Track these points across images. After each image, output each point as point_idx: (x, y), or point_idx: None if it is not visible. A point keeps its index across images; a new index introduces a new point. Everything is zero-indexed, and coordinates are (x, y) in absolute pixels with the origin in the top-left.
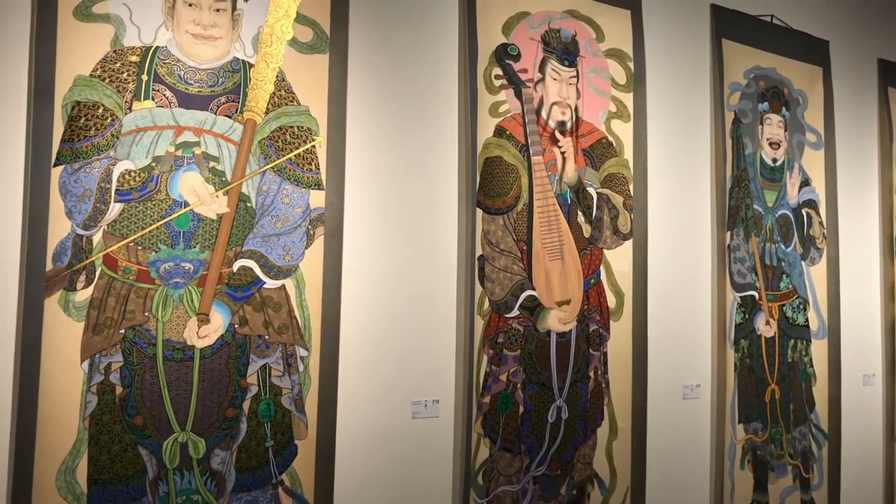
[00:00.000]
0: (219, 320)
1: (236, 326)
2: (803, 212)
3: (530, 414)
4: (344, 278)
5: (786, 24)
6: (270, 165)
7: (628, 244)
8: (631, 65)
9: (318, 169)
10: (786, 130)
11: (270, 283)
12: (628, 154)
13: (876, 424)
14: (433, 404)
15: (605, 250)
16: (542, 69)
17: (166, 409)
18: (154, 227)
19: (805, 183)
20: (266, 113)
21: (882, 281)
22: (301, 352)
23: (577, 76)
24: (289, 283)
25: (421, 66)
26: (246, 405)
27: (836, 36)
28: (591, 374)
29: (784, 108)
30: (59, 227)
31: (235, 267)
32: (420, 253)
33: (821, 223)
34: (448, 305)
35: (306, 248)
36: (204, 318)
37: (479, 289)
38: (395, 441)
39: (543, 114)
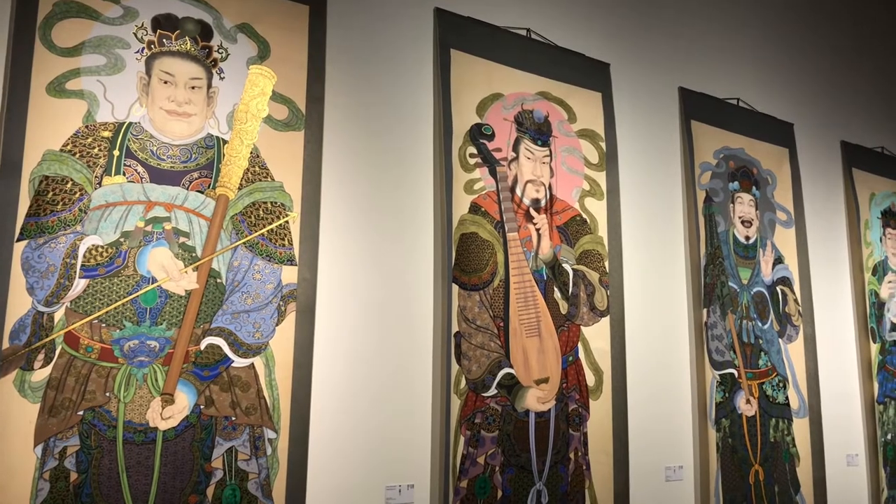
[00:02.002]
0: (184, 401)
1: (202, 407)
2: (778, 289)
3: (509, 498)
4: (316, 356)
5: (751, 106)
6: (243, 241)
7: (605, 321)
8: (603, 144)
9: (291, 244)
10: (757, 209)
11: (239, 362)
12: (602, 231)
13: None
14: (408, 489)
15: (582, 327)
16: (515, 148)
17: (124, 496)
18: (120, 303)
19: (778, 260)
20: (239, 189)
21: (859, 358)
22: (269, 434)
23: (551, 155)
24: (258, 362)
25: (396, 143)
26: (210, 491)
27: (801, 118)
28: (572, 455)
29: (754, 187)
30: (19, 304)
31: (203, 345)
32: (395, 330)
33: (796, 300)
34: (424, 384)
35: (277, 324)
36: (168, 399)
37: (455, 367)
38: None
39: (518, 191)
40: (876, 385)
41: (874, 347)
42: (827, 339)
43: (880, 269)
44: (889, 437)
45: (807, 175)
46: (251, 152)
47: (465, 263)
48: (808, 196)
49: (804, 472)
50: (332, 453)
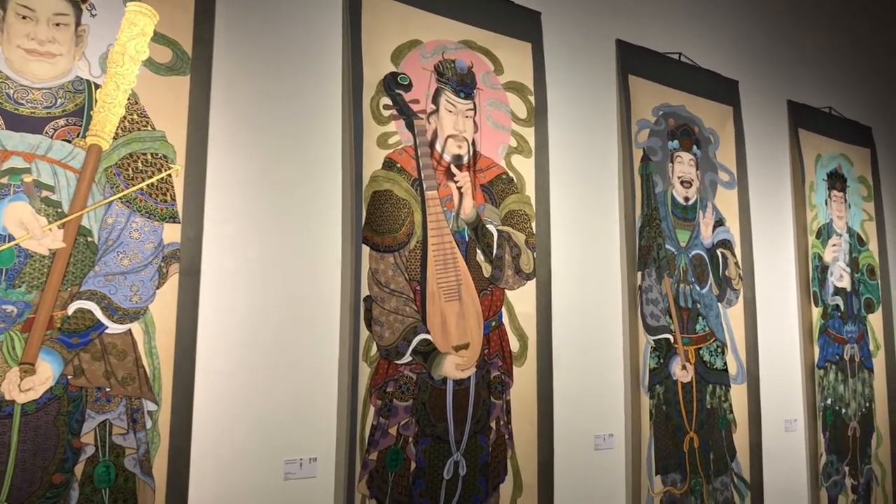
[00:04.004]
0: (47, 371)
1: (69, 378)
2: (718, 252)
3: (424, 471)
4: (201, 322)
5: (694, 62)
6: (118, 196)
7: (531, 284)
8: (532, 98)
9: (174, 200)
10: (697, 169)
11: (114, 328)
12: (530, 190)
13: (800, 472)
14: (310, 463)
15: (506, 291)
16: (435, 100)
17: None
18: None
19: (719, 222)
20: (114, 138)
21: (800, 323)
22: (149, 406)
23: (475, 109)
24: (136, 328)
25: (297, 91)
26: (79, 469)
27: (746, 76)
28: (493, 424)
29: (695, 146)
30: None
31: (71, 309)
32: (295, 295)
33: (737, 264)
34: (329, 352)
35: (158, 287)
36: (28, 369)
37: (365, 333)
38: None
39: (438, 147)
40: (817, 350)
41: (816, 312)
42: (768, 303)
43: (824, 233)
44: (829, 401)
45: (751, 135)
46: (129, 98)
47: (378, 223)
48: (751, 156)
49: (741, 438)
50: (222, 426)
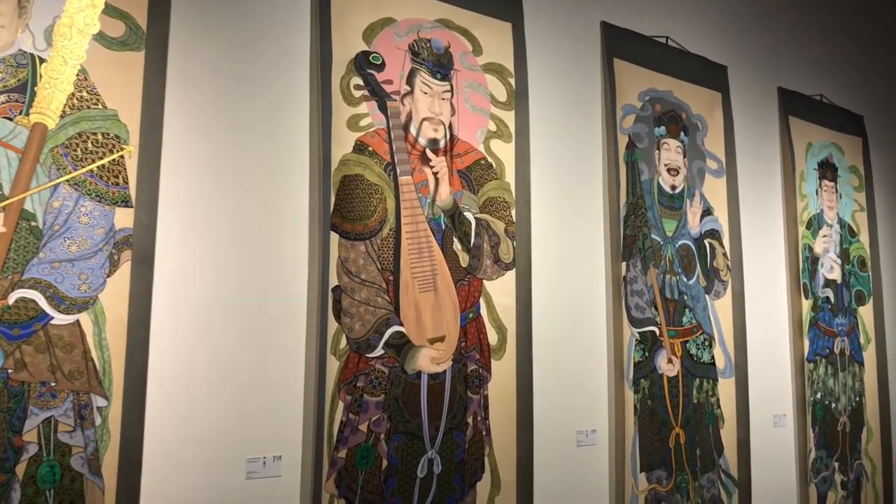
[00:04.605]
0: None
1: (10, 372)
2: (706, 242)
3: (396, 469)
4: (155, 312)
5: (682, 46)
6: (66, 178)
7: (511, 274)
8: (512, 81)
9: (127, 183)
10: (685, 156)
11: (60, 319)
12: (510, 177)
13: (789, 468)
14: (274, 461)
15: (485, 281)
16: (410, 81)
17: None
18: None
19: (707, 212)
20: (61, 116)
21: (790, 315)
22: (98, 402)
23: (452, 91)
24: (85, 319)
25: (262, 69)
26: (20, 469)
27: (735, 61)
28: (470, 420)
29: (682, 133)
30: None
31: (12, 299)
32: (257, 285)
33: (725, 254)
34: (295, 345)
35: (108, 276)
36: None
37: (333, 325)
38: None
39: (412, 130)
40: (806, 343)
41: (806, 304)
42: (757, 295)
43: (815, 223)
44: (819, 396)
45: (740, 122)
46: (78, 74)
47: (349, 209)
48: (740, 144)
49: (728, 434)
50: (177, 423)
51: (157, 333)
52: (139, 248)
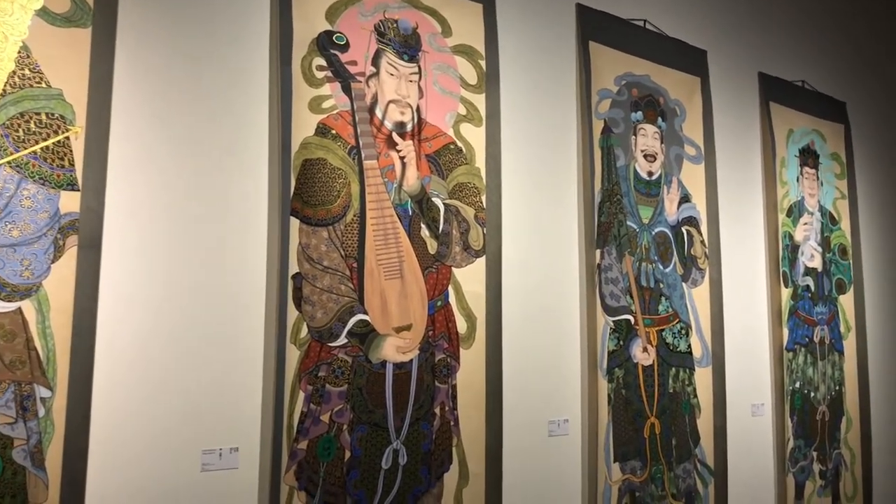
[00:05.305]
0: None
1: None
2: (683, 229)
3: (359, 460)
4: (102, 300)
5: (660, 30)
6: (6, 160)
7: (481, 262)
8: (483, 63)
9: (73, 165)
10: (662, 142)
11: (1, 306)
12: (480, 162)
13: (766, 457)
14: (231, 453)
15: (454, 268)
16: (376, 62)
17: None
18: None
19: (685, 199)
20: (2, 95)
21: (769, 303)
22: (42, 392)
23: (420, 73)
24: (27, 306)
25: (217, 47)
26: None
27: (715, 46)
28: (437, 410)
29: (660, 119)
30: None
31: None
32: (212, 271)
33: (702, 242)
34: (253, 334)
35: (53, 262)
36: None
37: (294, 313)
38: (177, 502)
39: (378, 113)
40: (786, 332)
41: (786, 292)
42: (735, 283)
43: (796, 211)
44: (798, 385)
45: (720, 107)
46: (19, 51)
47: (310, 194)
48: (720, 130)
49: (705, 423)
50: (126, 414)
51: (105, 322)
52: (86, 233)
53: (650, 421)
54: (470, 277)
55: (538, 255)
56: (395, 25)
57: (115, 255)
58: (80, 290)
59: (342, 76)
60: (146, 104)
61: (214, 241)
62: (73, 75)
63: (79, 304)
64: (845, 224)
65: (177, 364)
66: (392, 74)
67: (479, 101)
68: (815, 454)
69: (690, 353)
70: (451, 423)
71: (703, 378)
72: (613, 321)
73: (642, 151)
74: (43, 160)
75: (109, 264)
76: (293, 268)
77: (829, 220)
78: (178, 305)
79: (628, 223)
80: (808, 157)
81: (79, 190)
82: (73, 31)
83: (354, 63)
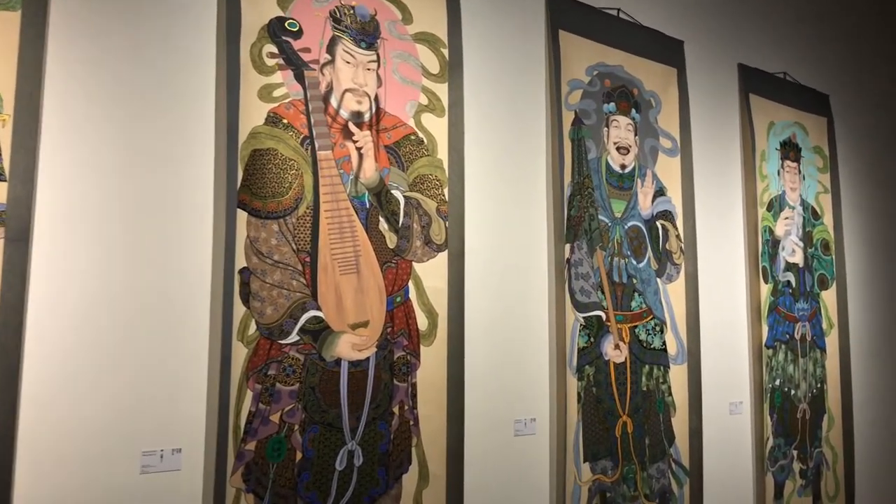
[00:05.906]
0: None
1: None
2: (658, 224)
3: (312, 461)
4: (32, 296)
5: (634, 19)
6: None
7: (443, 256)
8: (445, 52)
9: (0, 154)
10: (636, 134)
11: None
12: (442, 153)
13: (744, 456)
14: (173, 455)
15: (414, 263)
16: (331, 50)
17: None
18: None
19: (660, 192)
20: None
21: (748, 299)
22: None
23: (378, 61)
24: None
25: (160, 33)
26: None
27: (692, 36)
28: (396, 409)
29: (634, 110)
30: None
31: None
32: (150, 266)
33: (678, 236)
34: (197, 330)
35: None
36: None
37: (241, 309)
38: None
39: (333, 102)
40: (765, 328)
41: (765, 288)
42: (712, 278)
43: (776, 205)
44: (778, 382)
45: (697, 99)
46: None
47: (259, 186)
48: (697, 122)
49: (680, 422)
50: (57, 416)
51: (35, 319)
52: (13, 226)
53: (622, 420)
54: (431, 272)
55: (504, 249)
56: (351, 12)
57: (46, 248)
58: (6, 286)
59: (295, 64)
60: (81, 90)
61: (156, 234)
62: (0, 60)
63: (5, 299)
64: (828, 219)
65: (112, 363)
66: (348, 62)
67: (442, 90)
68: (795, 453)
69: (665, 350)
70: (411, 422)
71: (678, 376)
72: (584, 317)
73: (615, 143)
74: None
75: (40, 258)
76: (240, 262)
77: (812, 215)
78: (115, 301)
79: (600, 217)
80: (790, 150)
81: (6, 180)
82: (1, 14)
83: (308, 50)
